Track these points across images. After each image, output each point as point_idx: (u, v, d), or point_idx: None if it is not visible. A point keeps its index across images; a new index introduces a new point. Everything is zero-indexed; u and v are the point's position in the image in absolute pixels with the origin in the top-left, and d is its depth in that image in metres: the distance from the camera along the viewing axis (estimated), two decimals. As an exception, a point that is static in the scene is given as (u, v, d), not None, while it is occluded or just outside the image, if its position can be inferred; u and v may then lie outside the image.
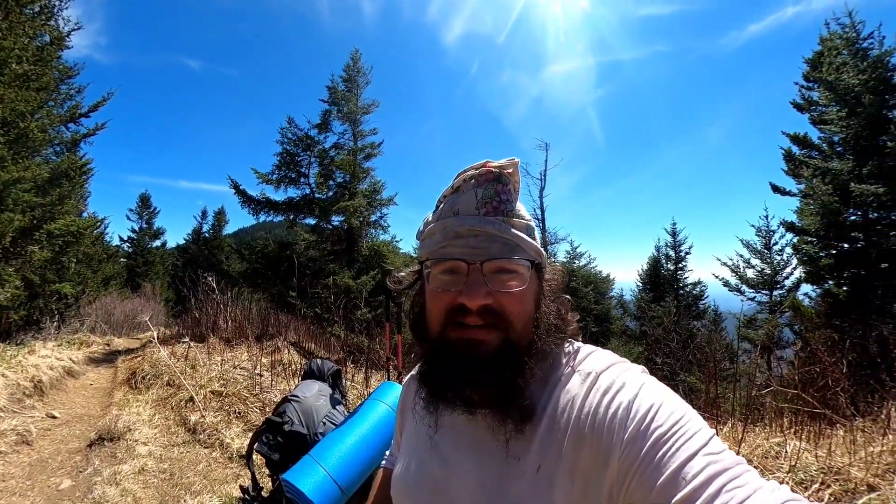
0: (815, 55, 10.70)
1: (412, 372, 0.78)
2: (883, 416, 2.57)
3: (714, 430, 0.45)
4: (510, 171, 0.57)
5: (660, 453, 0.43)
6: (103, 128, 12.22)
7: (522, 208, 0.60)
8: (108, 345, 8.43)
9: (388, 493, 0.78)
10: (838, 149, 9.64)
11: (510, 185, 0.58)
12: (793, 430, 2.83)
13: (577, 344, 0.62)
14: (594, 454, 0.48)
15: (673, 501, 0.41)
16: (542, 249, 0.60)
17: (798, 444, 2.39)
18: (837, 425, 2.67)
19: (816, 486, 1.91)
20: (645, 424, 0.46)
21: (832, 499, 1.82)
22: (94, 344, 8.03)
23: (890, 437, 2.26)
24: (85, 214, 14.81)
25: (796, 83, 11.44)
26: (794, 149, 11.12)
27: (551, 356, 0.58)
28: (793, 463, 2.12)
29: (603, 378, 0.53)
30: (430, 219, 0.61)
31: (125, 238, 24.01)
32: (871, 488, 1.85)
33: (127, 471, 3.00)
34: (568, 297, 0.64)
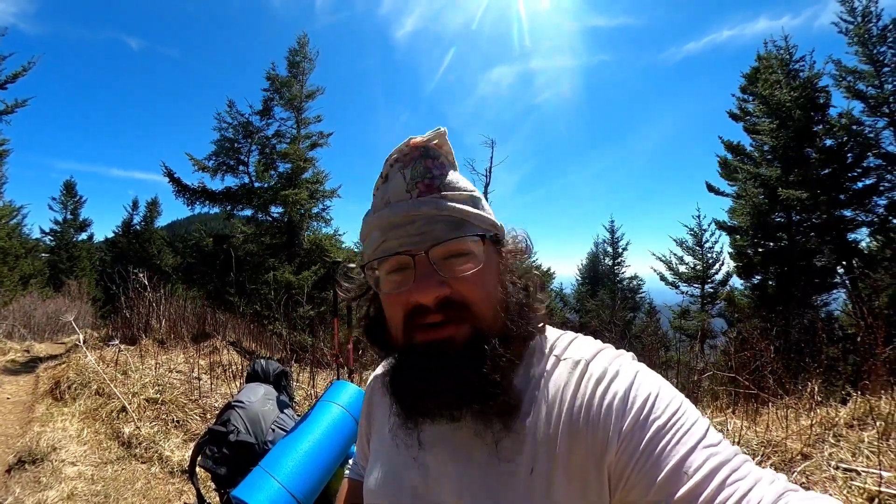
0: (752, 70, 11.73)
1: (375, 372, 0.72)
2: (807, 394, 2.85)
3: (708, 420, 0.45)
4: (437, 142, 0.52)
5: (660, 446, 0.42)
6: (24, 105, 10.83)
7: (463, 179, 0.54)
8: (28, 351, 7.52)
9: None
10: (768, 157, 10.67)
11: (440, 157, 0.53)
12: (731, 410, 3.08)
13: (557, 331, 0.57)
14: (591, 448, 0.45)
15: (676, 496, 0.39)
16: (495, 220, 0.55)
17: (738, 422, 2.60)
18: (769, 404, 2.92)
19: (759, 458, 2.09)
20: (644, 415, 0.44)
21: (773, 469, 1.99)
22: (11, 351, 7.15)
23: (817, 411, 2.51)
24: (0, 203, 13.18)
25: (733, 95, 12.57)
26: (728, 156, 12.18)
27: (531, 345, 0.53)
28: (736, 440, 2.30)
29: (593, 366, 0.49)
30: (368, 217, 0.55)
31: (47, 230, 21.78)
32: (806, 457, 2.05)
33: (54, 497, 2.64)
34: (537, 271, 0.58)
